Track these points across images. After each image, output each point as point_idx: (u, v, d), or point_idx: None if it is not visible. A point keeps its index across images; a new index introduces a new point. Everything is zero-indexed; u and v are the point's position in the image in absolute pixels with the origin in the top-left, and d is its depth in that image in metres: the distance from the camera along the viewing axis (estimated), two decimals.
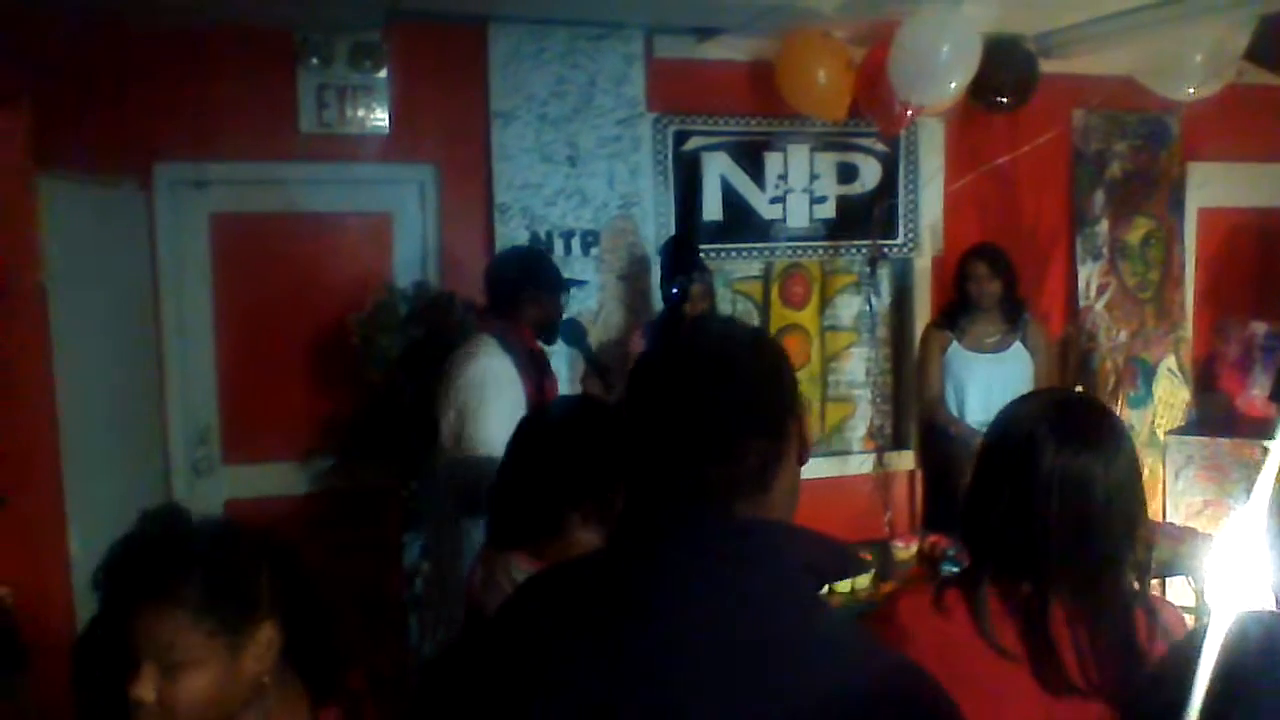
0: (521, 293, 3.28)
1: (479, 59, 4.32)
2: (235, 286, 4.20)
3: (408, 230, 4.39)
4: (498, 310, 3.30)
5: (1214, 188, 5.58)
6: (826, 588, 3.17)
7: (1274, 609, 1.68)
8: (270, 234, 4.22)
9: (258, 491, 4.17)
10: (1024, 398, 1.69)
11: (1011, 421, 1.63)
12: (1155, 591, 4.83)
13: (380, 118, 4.23)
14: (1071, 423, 1.57)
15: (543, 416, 2.41)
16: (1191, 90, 4.54)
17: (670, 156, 4.66)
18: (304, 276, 4.22)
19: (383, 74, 4.20)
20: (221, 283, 4.20)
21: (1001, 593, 1.56)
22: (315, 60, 4.09)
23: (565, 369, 4.16)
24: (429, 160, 4.35)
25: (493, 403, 3.06)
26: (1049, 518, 1.52)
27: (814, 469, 4.87)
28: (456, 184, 4.38)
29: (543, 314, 3.33)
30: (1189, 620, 1.65)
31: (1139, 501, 1.57)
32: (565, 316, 3.53)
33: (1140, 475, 1.58)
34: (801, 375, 5.04)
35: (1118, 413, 5.17)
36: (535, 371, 3.26)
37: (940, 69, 4.07)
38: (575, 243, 4.48)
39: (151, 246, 4.06)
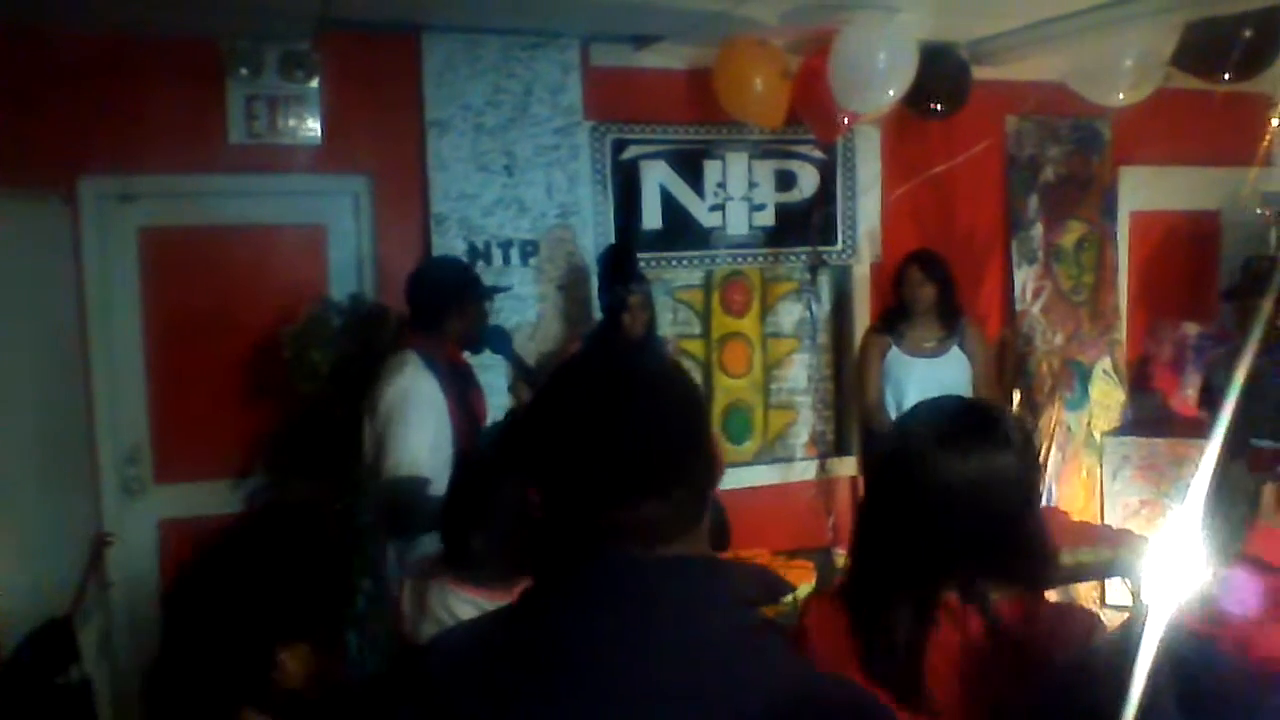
0: (443, 306, 3.25)
1: (413, 68, 4.27)
2: (165, 301, 4.11)
3: (341, 242, 4.33)
4: (421, 324, 3.27)
5: (1145, 191, 5.67)
6: None
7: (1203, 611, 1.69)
8: (200, 247, 4.13)
9: (191, 511, 4.08)
10: (915, 406, 1.70)
11: (896, 428, 1.66)
12: (1090, 592, 4.87)
13: (312, 128, 4.17)
14: (944, 429, 1.57)
15: (479, 451, 2.42)
16: (1121, 96, 4.60)
17: (609, 165, 4.64)
18: (235, 290, 4.13)
19: (314, 83, 4.14)
20: (151, 298, 4.10)
21: (873, 600, 1.56)
22: (244, 70, 4.01)
23: (500, 379, 4.12)
24: (363, 170, 4.29)
25: (412, 424, 3.05)
26: (910, 523, 1.53)
27: (757, 476, 4.92)
28: (391, 194, 4.32)
29: (466, 325, 3.31)
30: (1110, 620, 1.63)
31: (1014, 507, 1.54)
32: (491, 324, 3.51)
33: (1022, 481, 1.56)
34: (743, 382, 5.05)
35: (1054, 415, 5.29)
36: (459, 386, 3.24)
37: (878, 77, 4.11)
38: (514, 253, 4.45)
39: (77, 262, 3.97)
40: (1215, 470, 1.57)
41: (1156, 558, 4.02)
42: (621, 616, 1.03)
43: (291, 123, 4.13)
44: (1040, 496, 1.57)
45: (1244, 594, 1.55)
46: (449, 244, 4.30)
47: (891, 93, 4.20)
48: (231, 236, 4.16)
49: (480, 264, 4.33)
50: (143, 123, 3.93)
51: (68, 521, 3.87)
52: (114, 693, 3.99)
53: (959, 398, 1.72)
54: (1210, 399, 4.83)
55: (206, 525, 4.06)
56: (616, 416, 1.06)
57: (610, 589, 1.04)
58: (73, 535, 3.86)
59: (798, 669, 1.06)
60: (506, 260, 4.42)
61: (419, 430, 3.04)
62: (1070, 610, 1.71)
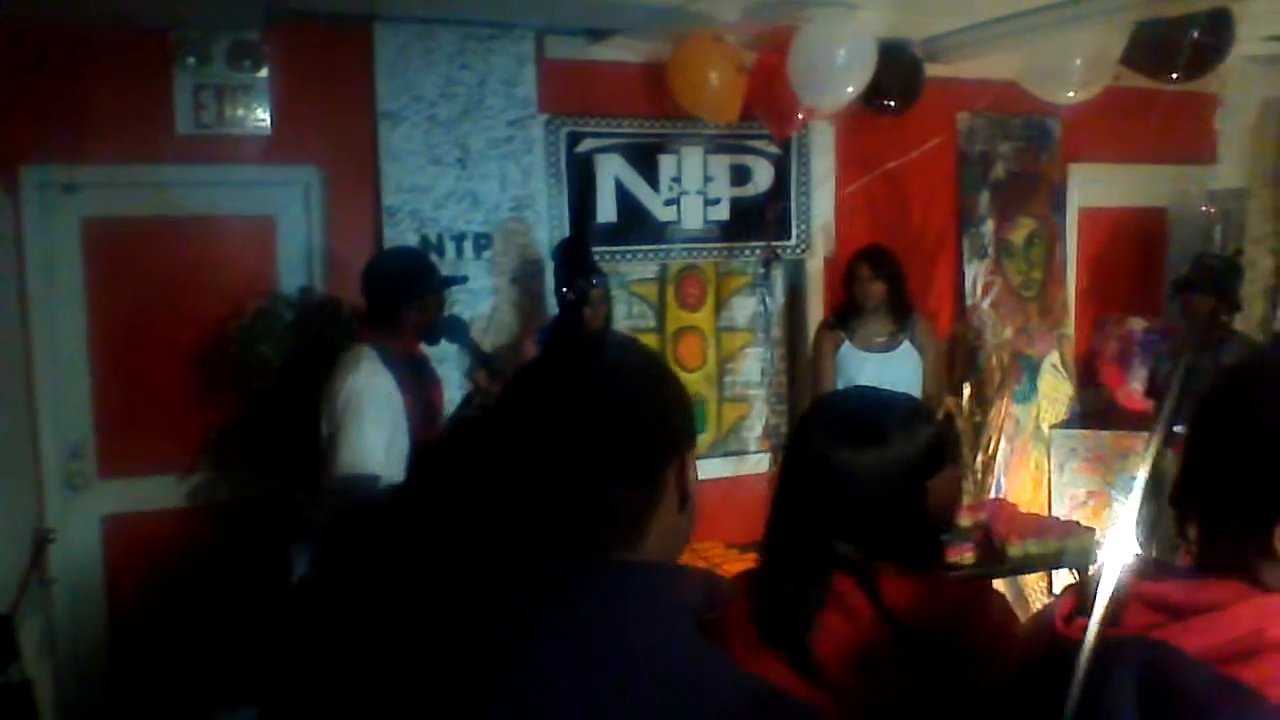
0: (400, 299, 3.22)
1: (365, 59, 4.22)
2: (110, 294, 4.03)
3: (291, 234, 4.26)
4: (376, 317, 3.24)
5: (1094, 188, 5.75)
6: None
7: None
8: (147, 239, 4.06)
9: (135, 506, 4.04)
10: (825, 395, 1.75)
11: (802, 416, 1.74)
12: (1038, 582, 4.91)
13: (261, 118, 4.10)
14: (836, 416, 1.66)
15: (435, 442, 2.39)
16: (1071, 94, 4.65)
17: (563, 158, 4.62)
18: (183, 283, 4.07)
19: (263, 73, 4.07)
20: (95, 290, 4.02)
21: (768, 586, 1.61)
22: (191, 59, 3.94)
23: (455, 372, 4.09)
24: (313, 162, 4.23)
25: (366, 422, 3.02)
26: (800, 507, 1.61)
27: (710, 469, 4.91)
28: (343, 186, 4.27)
29: (423, 317, 3.28)
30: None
31: (899, 497, 1.59)
32: (446, 314, 3.48)
33: (911, 472, 1.60)
34: (697, 376, 5.05)
35: (1003, 408, 5.33)
36: (417, 380, 3.22)
37: (838, 73, 4.12)
38: (467, 246, 4.41)
39: (19, 253, 3.87)
40: (1151, 464, 1.59)
41: (1102, 548, 4.10)
42: (561, 622, 1.01)
43: (240, 113, 4.07)
44: (923, 480, 1.61)
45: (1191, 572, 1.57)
46: (401, 236, 4.26)
47: (850, 89, 4.22)
48: (178, 228, 4.09)
49: (433, 257, 4.29)
50: (87, 112, 3.85)
51: (8, 517, 3.78)
52: (56, 692, 3.93)
53: (869, 389, 1.79)
54: (1156, 393, 4.92)
55: (151, 521, 4.04)
56: (563, 411, 1.05)
57: (551, 593, 1.03)
58: (13, 531, 3.78)
59: (739, 683, 1.04)
60: (459, 253, 4.39)
61: (373, 428, 3.02)
62: (974, 591, 1.74)
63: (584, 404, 1.06)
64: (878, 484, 1.58)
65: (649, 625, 1.02)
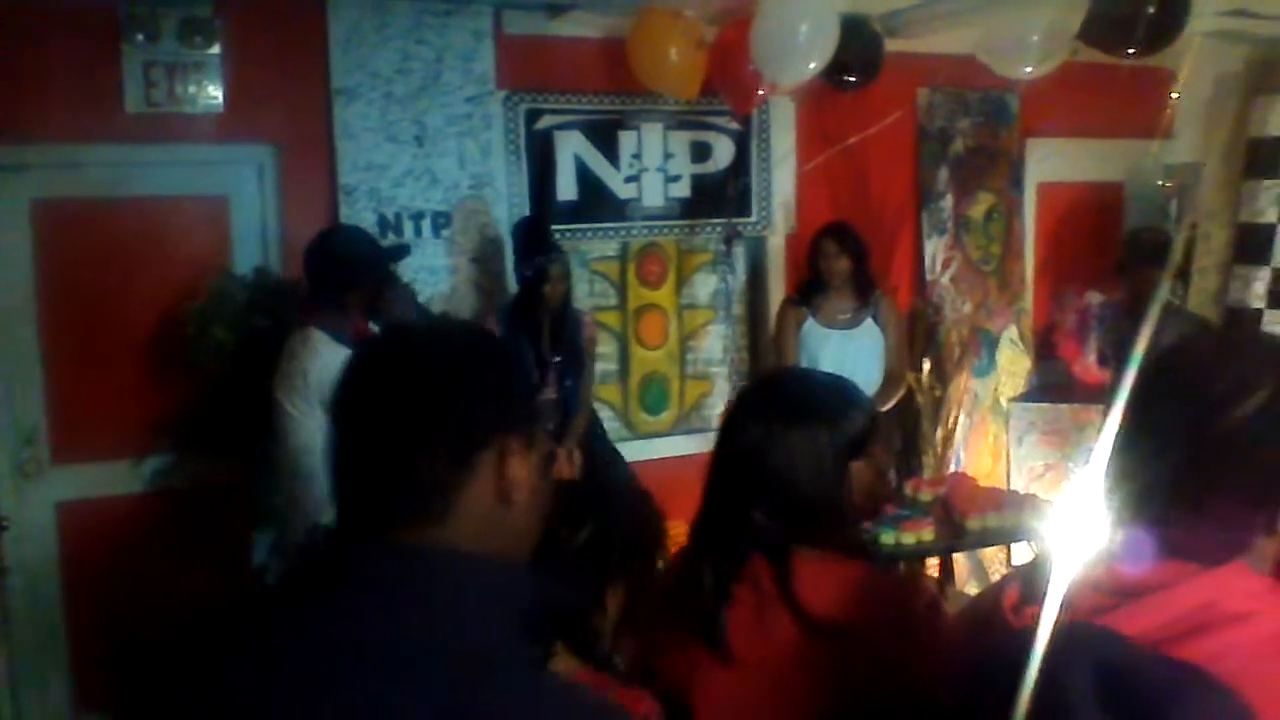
0: (345, 280, 3.18)
1: (319, 34, 4.14)
2: (61, 277, 3.95)
3: (246, 214, 4.19)
4: (321, 298, 3.21)
5: (1051, 163, 5.77)
6: None
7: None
8: (98, 220, 3.97)
9: (91, 492, 3.97)
10: (764, 376, 1.78)
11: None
12: (997, 555, 4.94)
13: (214, 96, 4.03)
14: (762, 397, 1.69)
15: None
16: (1029, 69, 4.65)
17: (522, 135, 4.57)
18: (136, 264, 3.99)
19: (215, 50, 3.99)
20: (46, 273, 3.93)
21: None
22: (141, 36, 3.85)
23: None
24: (268, 140, 4.16)
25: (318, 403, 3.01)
26: (726, 484, 1.63)
27: (673, 447, 4.92)
28: (298, 165, 4.20)
29: (368, 296, 3.25)
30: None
31: (814, 475, 1.59)
32: (399, 289, 3.44)
33: (821, 454, 1.59)
34: (660, 354, 5.04)
35: (962, 382, 5.37)
36: None
37: (800, 49, 4.10)
38: (425, 224, 4.37)
39: None
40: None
41: (1059, 521, 4.14)
42: (342, 611, 0.96)
43: (192, 90, 3.98)
44: (840, 469, 1.61)
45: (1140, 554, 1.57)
46: (358, 215, 4.21)
47: (813, 65, 4.19)
48: (131, 209, 4.00)
49: (390, 236, 4.25)
50: (34, 90, 3.76)
51: None
52: (12, 681, 3.88)
53: (811, 371, 1.81)
54: (1104, 363, 4.96)
55: (107, 507, 3.98)
56: (365, 387, 1.06)
57: (339, 578, 0.99)
58: None
59: (530, 695, 0.97)
60: (418, 232, 4.34)
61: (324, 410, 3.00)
62: (896, 584, 1.74)
63: (393, 378, 1.04)
64: (786, 463, 1.58)
65: (441, 618, 0.96)
